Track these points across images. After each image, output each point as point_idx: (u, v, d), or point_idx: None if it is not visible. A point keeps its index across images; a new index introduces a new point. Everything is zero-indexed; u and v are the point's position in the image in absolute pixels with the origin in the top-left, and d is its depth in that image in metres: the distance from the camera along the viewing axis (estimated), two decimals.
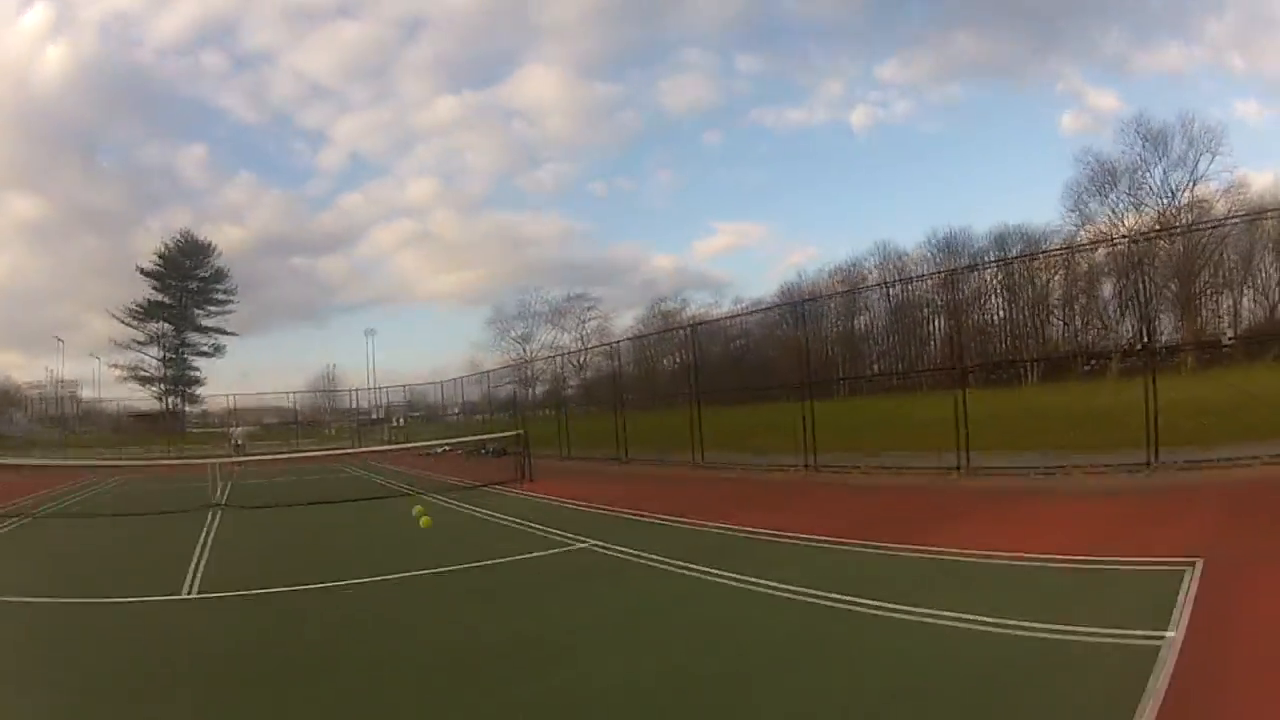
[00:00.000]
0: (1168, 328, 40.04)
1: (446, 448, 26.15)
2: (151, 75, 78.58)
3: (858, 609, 5.52)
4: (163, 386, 66.49)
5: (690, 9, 79.40)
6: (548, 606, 6.27)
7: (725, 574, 6.76)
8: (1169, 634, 4.51)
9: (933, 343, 48.01)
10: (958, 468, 12.55)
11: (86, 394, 59.44)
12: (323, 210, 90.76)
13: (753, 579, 6.49)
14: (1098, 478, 10.89)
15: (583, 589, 6.90)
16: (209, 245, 69.09)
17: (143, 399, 62.77)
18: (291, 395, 49.22)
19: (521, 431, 18.89)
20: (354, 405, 47.52)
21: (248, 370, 69.46)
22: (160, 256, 66.97)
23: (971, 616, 5.10)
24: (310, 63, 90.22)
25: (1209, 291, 39.42)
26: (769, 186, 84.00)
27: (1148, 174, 43.33)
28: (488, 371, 40.15)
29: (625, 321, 59.28)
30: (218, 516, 13.20)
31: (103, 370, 62.96)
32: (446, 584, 7.40)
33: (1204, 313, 39.03)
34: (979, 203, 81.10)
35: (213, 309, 69.29)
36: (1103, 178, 44.29)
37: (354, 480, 20.44)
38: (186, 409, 65.09)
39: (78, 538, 12.19)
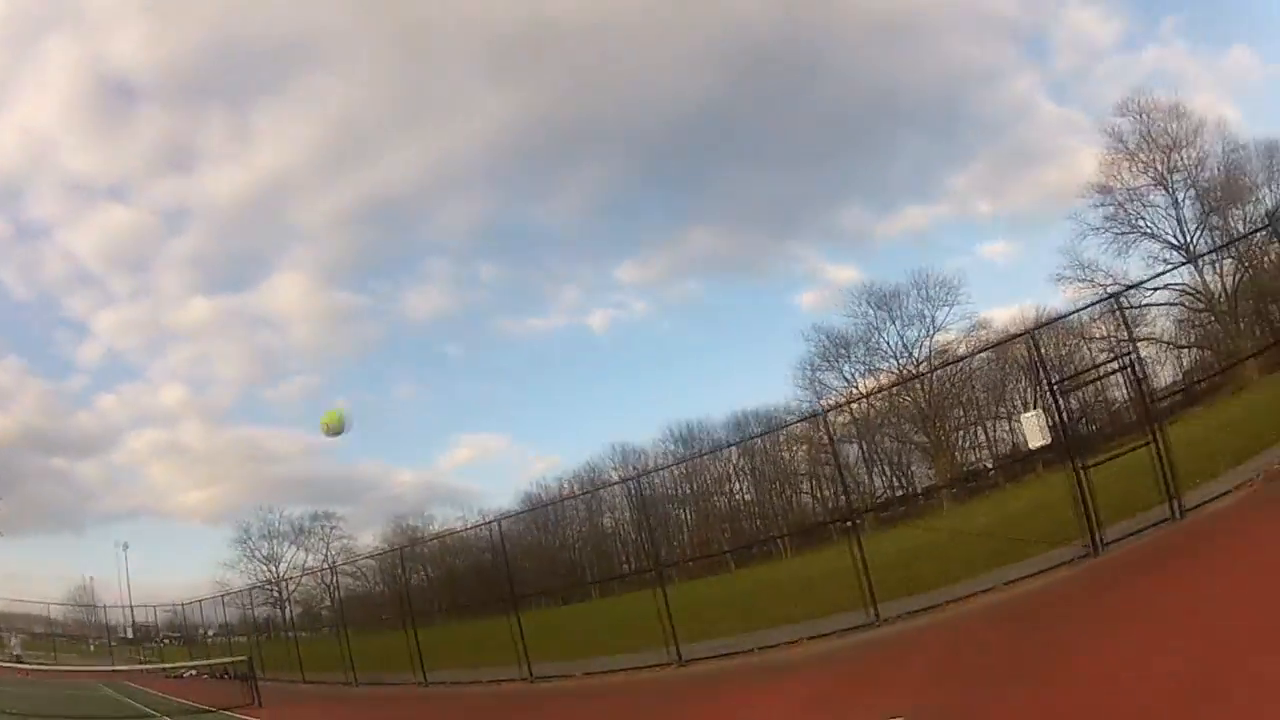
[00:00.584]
0: (921, 474, 41.71)
1: (193, 671, 24.13)
2: None
3: None
4: None
5: (437, 217, 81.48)
6: None
7: None
8: None
9: (685, 532, 48.68)
10: (659, 665, 12.00)
11: None
12: (81, 408, 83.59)
13: None
14: (821, 642, 10.27)
15: None
16: None
17: None
18: (50, 606, 45.62)
19: (247, 657, 18.81)
20: (110, 621, 44.35)
21: (14, 573, 61.41)
22: None
23: None
24: (81, 244, 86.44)
25: (962, 429, 41.61)
26: (510, 396, 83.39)
27: (881, 337, 45.03)
28: (234, 593, 38.27)
29: (368, 539, 56.97)
30: None
31: None
32: None
33: (960, 448, 41.40)
34: (718, 390, 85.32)
35: None
36: (834, 350, 45.98)
37: (103, 699, 20.04)
38: None
39: None
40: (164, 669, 25.00)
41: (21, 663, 26.54)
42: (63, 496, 76.02)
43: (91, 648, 43.88)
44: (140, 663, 31.51)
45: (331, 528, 55.83)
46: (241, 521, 66.35)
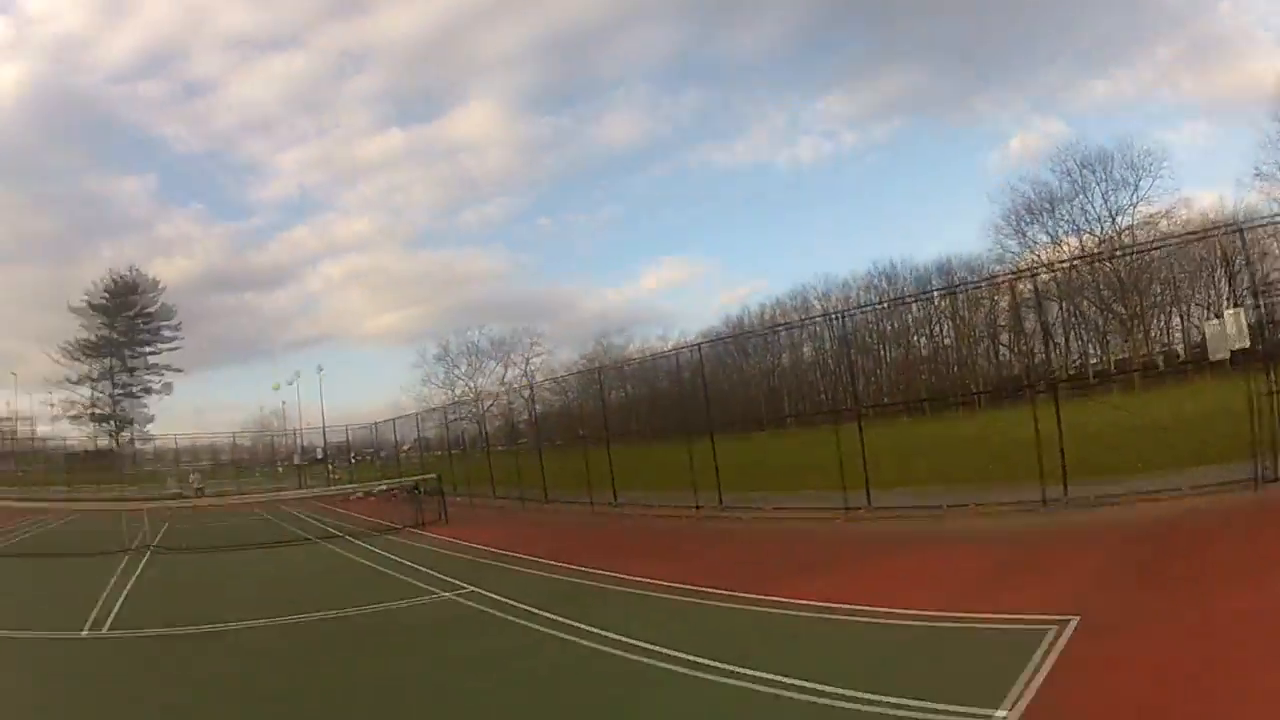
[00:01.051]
0: (1114, 348, 40.66)
1: (384, 488, 25.39)
2: (97, 101, 76.88)
3: (677, 668, 5.26)
4: (112, 424, 64.00)
5: (628, 45, 79.87)
6: (380, 657, 6.44)
7: (568, 623, 6.78)
8: (998, 715, 3.82)
9: (882, 370, 48.77)
10: (849, 507, 12.20)
11: (41, 430, 56.94)
12: (270, 243, 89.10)
13: (591, 629, 6.48)
14: (996, 518, 10.21)
15: (425, 640, 7.03)
16: (154, 281, 67.06)
17: (88, 437, 60.52)
18: (235, 435, 48.30)
19: (437, 474, 19.12)
20: (299, 444, 45.98)
21: (201, 406, 65.93)
22: (105, 292, 64.75)
23: (791, 680, 4.70)
24: (255, 93, 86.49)
25: (1157, 310, 39.66)
26: (716, 221, 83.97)
27: (1088, 200, 43.22)
28: (431, 410, 39.91)
29: (570, 356, 58.06)
30: (145, 559, 13.52)
31: (53, 407, 60.48)
32: (298, 632, 7.71)
33: (1154, 329, 39.44)
34: (920, 231, 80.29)
35: (160, 345, 66.97)
36: (1040, 204, 44.33)
37: (285, 523, 20.25)
38: (137, 447, 62.85)
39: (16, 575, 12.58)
40: (350, 489, 26.03)
41: (202, 495, 27.27)
42: (254, 328, 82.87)
43: (280, 469, 46.65)
44: (331, 483, 33.17)
45: (531, 343, 56.65)
46: (441, 338, 68.73)
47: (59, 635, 7.63)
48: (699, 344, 26.52)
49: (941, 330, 45.41)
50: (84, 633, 7.68)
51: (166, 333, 66.91)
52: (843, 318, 35.19)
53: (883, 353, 47.78)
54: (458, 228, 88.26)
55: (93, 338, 64.22)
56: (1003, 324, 42.46)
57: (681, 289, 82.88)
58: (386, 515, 19.71)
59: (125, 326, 64.89)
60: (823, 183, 77.39)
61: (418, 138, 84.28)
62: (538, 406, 39.74)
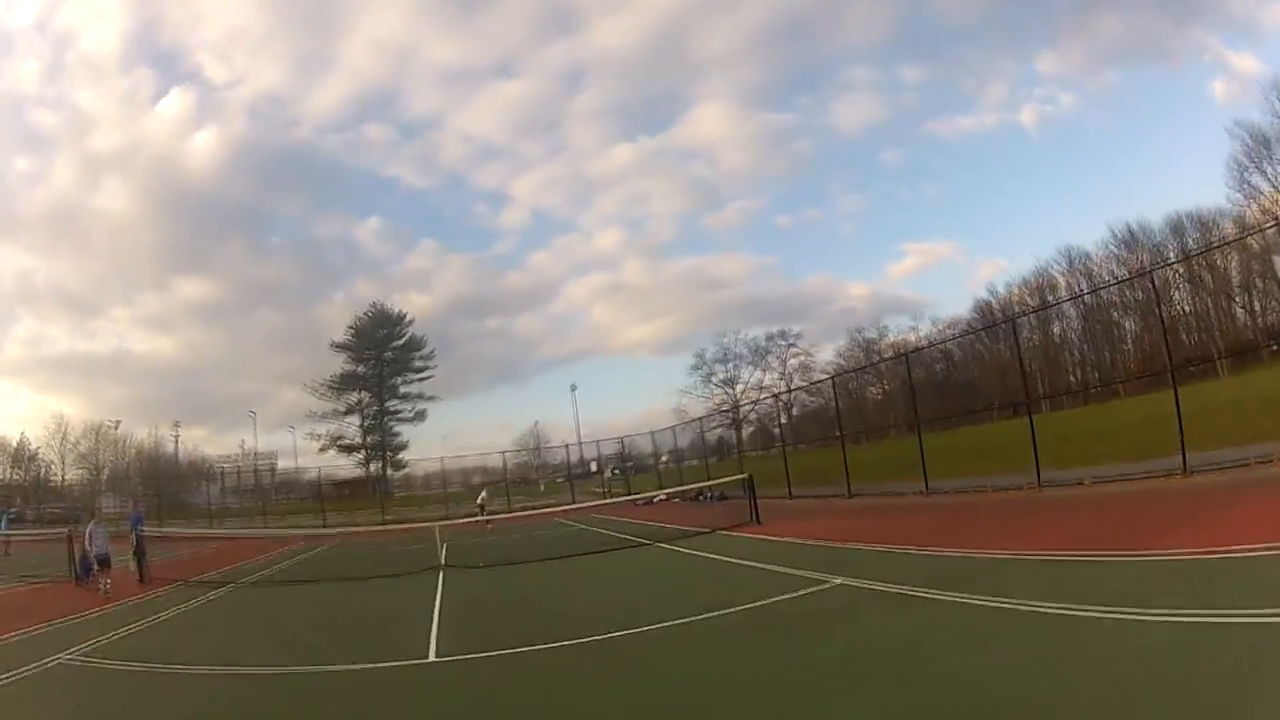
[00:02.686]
0: None
1: (663, 496, 26.60)
2: (314, 151, 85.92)
3: (1107, 618, 5.51)
4: (365, 454, 70.25)
5: (844, 26, 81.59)
6: (816, 646, 6.21)
7: (972, 598, 6.77)
8: None
9: (1127, 344, 45.55)
10: (1177, 471, 12.90)
11: (283, 464, 62.49)
12: (512, 269, 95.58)
13: (997, 600, 6.50)
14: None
15: (844, 626, 6.82)
16: (401, 315, 72.94)
17: (344, 466, 65.49)
18: (502, 454, 50.51)
19: (747, 475, 19.24)
20: (566, 460, 48.04)
21: (447, 433, 71.43)
22: (352, 329, 71.76)
23: (1211, 612, 5.13)
24: (477, 124, 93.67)
25: None
26: (950, 201, 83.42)
27: None
28: (692, 420, 40.56)
29: (826, 355, 58.80)
30: (442, 577, 13.50)
31: (300, 441, 67.29)
32: (692, 633, 7.16)
33: None
34: (1150, 190, 75.46)
35: (411, 375, 72.63)
36: (1258, 149, 40.84)
37: (577, 535, 20.01)
38: (390, 474, 68.90)
39: (299, 602, 13.07)
40: (645, 496, 26.16)
41: (488, 513, 26.83)
42: (500, 353, 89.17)
43: (541, 487, 48.99)
44: (603, 495, 34.08)
45: (788, 344, 58.16)
46: (697, 347, 72.88)
47: (406, 662, 7.03)
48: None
49: (1180, 295, 42.69)
50: (429, 658, 7.12)
51: (418, 363, 72.38)
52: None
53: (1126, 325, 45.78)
54: (699, 234, 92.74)
55: (360, 370, 70.50)
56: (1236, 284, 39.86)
57: (924, 276, 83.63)
58: (687, 519, 19.86)
59: (377, 361, 70.69)
60: (1050, 147, 75.61)
61: (649, 149, 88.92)
62: (796, 405, 41.19)
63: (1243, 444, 12.73)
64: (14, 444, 57.62)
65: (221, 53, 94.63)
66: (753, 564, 11.16)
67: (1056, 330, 48.07)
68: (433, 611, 9.86)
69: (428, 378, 72.17)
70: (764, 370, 57.88)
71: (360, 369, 71.38)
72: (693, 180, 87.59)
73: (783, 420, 39.71)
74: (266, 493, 56.99)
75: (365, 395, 71.27)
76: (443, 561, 15.30)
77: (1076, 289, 50.11)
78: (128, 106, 79.86)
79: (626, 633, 7.36)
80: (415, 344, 72.61)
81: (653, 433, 43.71)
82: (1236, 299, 41.21)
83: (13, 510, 36.55)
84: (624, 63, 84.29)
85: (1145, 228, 48.20)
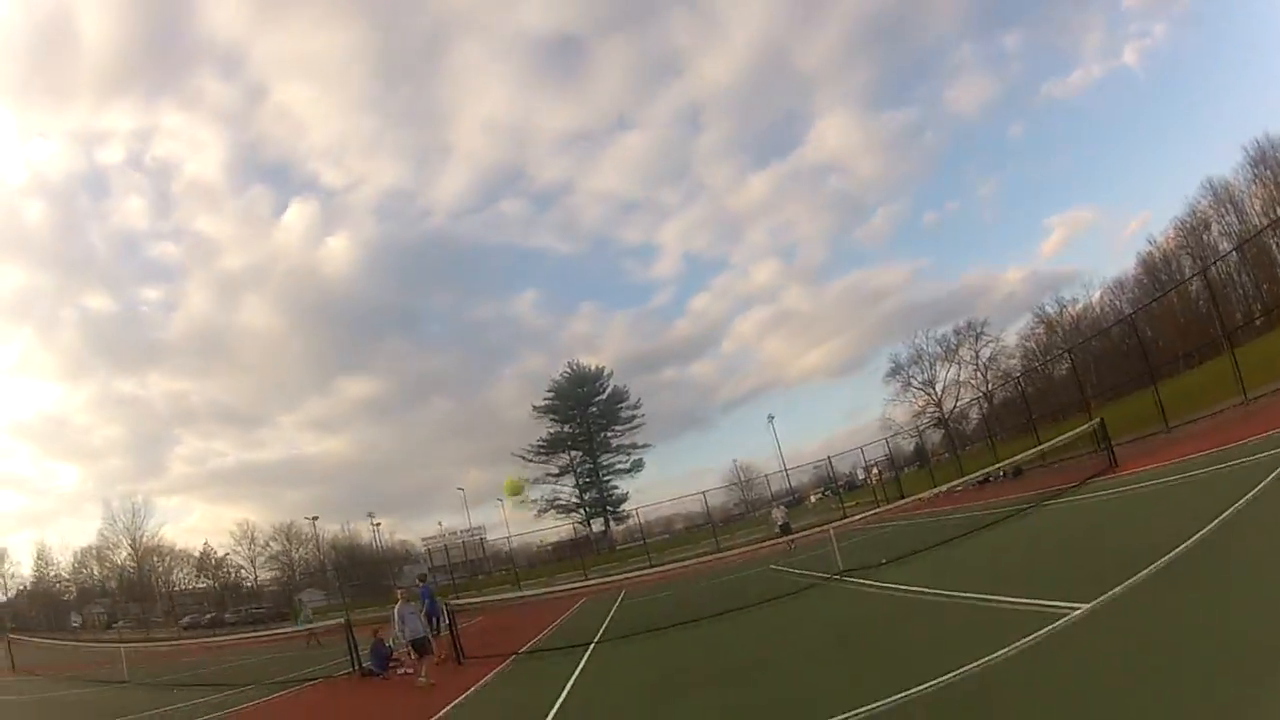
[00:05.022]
0: None
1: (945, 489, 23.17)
2: (453, 237, 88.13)
3: None
4: (585, 511, 70.63)
5: (930, 6, 78.91)
6: None
7: None
8: None
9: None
10: None
11: (491, 537, 62.25)
12: (676, 317, 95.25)
13: None
14: None
15: None
16: (600, 369, 73.65)
17: (559, 529, 64.82)
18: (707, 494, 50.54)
19: (1099, 419, 18.19)
20: (768, 487, 48.62)
21: (642, 486, 71.24)
22: (551, 392, 72.64)
23: None
24: (608, 181, 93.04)
25: None
26: (1081, 164, 78.92)
27: None
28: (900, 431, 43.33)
29: (1010, 339, 57.93)
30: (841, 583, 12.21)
31: (510, 513, 69.42)
32: None
33: None
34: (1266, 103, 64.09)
35: (620, 427, 72.63)
36: None
37: (938, 526, 17.14)
38: (612, 527, 68.10)
39: (711, 647, 9.67)
40: (927, 494, 23.20)
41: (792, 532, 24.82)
42: (679, 402, 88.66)
43: (811, 503, 50.09)
44: (874, 503, 32.92)
45: (977, 334, 57.37)
46: (891, 354, 73.23)
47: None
48: None
49: None
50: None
51: (625, 413, 72.61)
52: None
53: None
54: (851, 249, 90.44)
55: (567, 429, 71.35)
56: None
57: (1074, 246, 79.19)
58: (1024, 489, 19.23)
59: (583, 417, 71.66)
60: (1158, 82, 71.82)
61: (783, 173, 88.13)
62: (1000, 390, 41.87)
63: None
64: (197, 553, 59.80)
65: (334, 159, 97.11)
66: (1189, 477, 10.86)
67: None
68: None
69: (638, 426, 72.18)
70: (959, 365, 57.46)
71: (566, 428, 72.12)
72: (833, 195, 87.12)
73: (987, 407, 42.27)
74: (483, 565, 56.77)
75: (576, 454, 71.75)
76: (841, 567, 13.60)
77: (1227, 220, 49.31)
78: (249, 224, 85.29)
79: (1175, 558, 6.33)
80: (619, 395, 72.79)
81: (861, 447, 44.63)
82: None
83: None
84: (735, 91, 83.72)
85: (1275, 142, 45.24)
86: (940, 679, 5.08)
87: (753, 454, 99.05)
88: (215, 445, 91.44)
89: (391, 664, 13.00)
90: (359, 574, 54.91)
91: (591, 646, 11.88)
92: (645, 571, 24.38)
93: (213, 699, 13.13)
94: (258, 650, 23.31)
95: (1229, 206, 50.46)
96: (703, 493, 50.41)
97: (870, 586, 11.02)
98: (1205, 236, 50.71)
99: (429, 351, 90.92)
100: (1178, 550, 6.60)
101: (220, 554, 61.22)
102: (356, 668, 13.54)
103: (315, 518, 59.49)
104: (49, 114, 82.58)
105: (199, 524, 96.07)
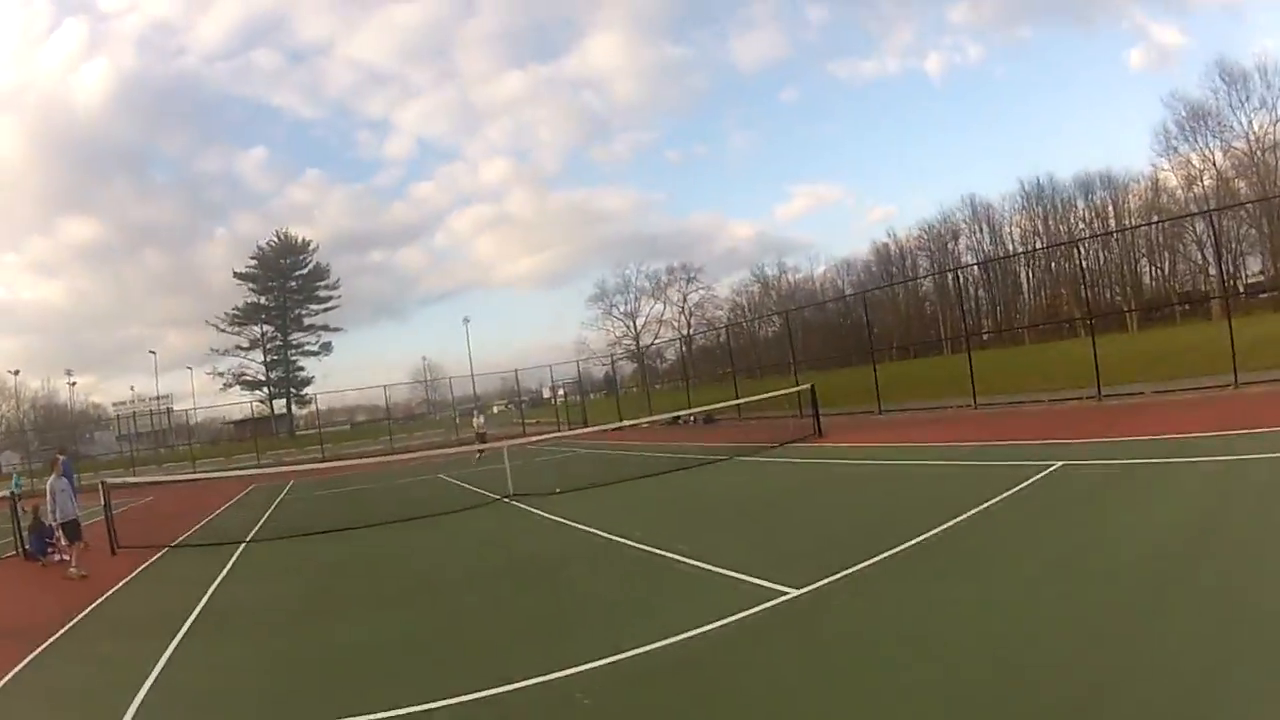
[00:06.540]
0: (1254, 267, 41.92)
1: (693, 419, 25.85)
2: (199, 82, 77.89)
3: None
4: (268, 390, 65.84)
5: None
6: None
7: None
8: None
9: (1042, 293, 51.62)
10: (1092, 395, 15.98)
11: (179, 406, 58.19)
12: (396, 201, 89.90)
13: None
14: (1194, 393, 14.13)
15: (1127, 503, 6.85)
16: (306, 242, 68.05)
17: (242, 405, 61.62)
18: (389, 388, 49.60)
19: (809, 385, 18.91)
20: (473, 392, 47.09)
21: (328, 371, 67.08)
22: (255, 258, 66.39)
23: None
24: (366, 50, 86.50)
25: None
26: (843, 145, 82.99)
27: (1233, 115, 44.26)
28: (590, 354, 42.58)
29: (722, 291, 60.48)
30: (528, 507, 11.64)
31: (199, 381, 63.34)
32: (972, 542, 6.23)
33: None
34: (1058, 146, 78.74)
35: (315, 307, 68.07)
36: (1192, 121, 45.52)
37: (621, 459, 17.85)
38: (294, 411, 64.70)
39: (373, 562, 9.33)
40: (627, 423, 24.04)
41: (484, 442, 23.36)
42: (383, 288, 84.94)
43: (482, 419, 47.65)
44: (556, 425, 33.98)
45: (689, 279, 58.41)
46: (585, 280, 72.39)
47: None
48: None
49: (1087, 250, 46.68)
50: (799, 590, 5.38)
51: (322, 292, 67.94)
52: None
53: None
54: (587, 167, 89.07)
55: (263, 301, 65.60)
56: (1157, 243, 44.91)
57: (812, 218, 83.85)
58: (723, 439, 19.17)
59: (281, 291, 65.93)
60: (952, 97, 76.68)
61: (540, 77, 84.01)
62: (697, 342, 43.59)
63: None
64: None
65: None
66: (907, 465, 11.14)
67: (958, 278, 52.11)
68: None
69: (334, 307, 68.73)
70: (665, 304, 58.75)
71: (264, 300, 66.38)
72: (583, 111, 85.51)
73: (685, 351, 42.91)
74: (166, 436, 52.73)
75: (269, 329, 66.56)
76: (511, 490, 13.00)
77: (977, 236, 56.37)
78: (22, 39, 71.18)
79: (904, 549, 6.06)
80: (319, 272, 68.30)
81: (551, 366, 45.44)
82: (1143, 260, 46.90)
83: None
84: None
85: (1056, 184, 52.52)
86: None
87: (443, 354, 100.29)
88: None
89: (50, 548, 11.53)
90: (54, 439, 46.76)
91: (242, 546, 11.46)
92: (318, 465, 23.32)
93: None
94: None
95: (984, 225, 55.84)
96: (384, 387, 50.16)
97: (540, 515, 10.81)
98: (951, 245, 56.12)
99: (150, 199, 79.98)
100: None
101: None
102: (20, 549, 12.28)
103: (17, 371, 52.93)
104: None
105: None
